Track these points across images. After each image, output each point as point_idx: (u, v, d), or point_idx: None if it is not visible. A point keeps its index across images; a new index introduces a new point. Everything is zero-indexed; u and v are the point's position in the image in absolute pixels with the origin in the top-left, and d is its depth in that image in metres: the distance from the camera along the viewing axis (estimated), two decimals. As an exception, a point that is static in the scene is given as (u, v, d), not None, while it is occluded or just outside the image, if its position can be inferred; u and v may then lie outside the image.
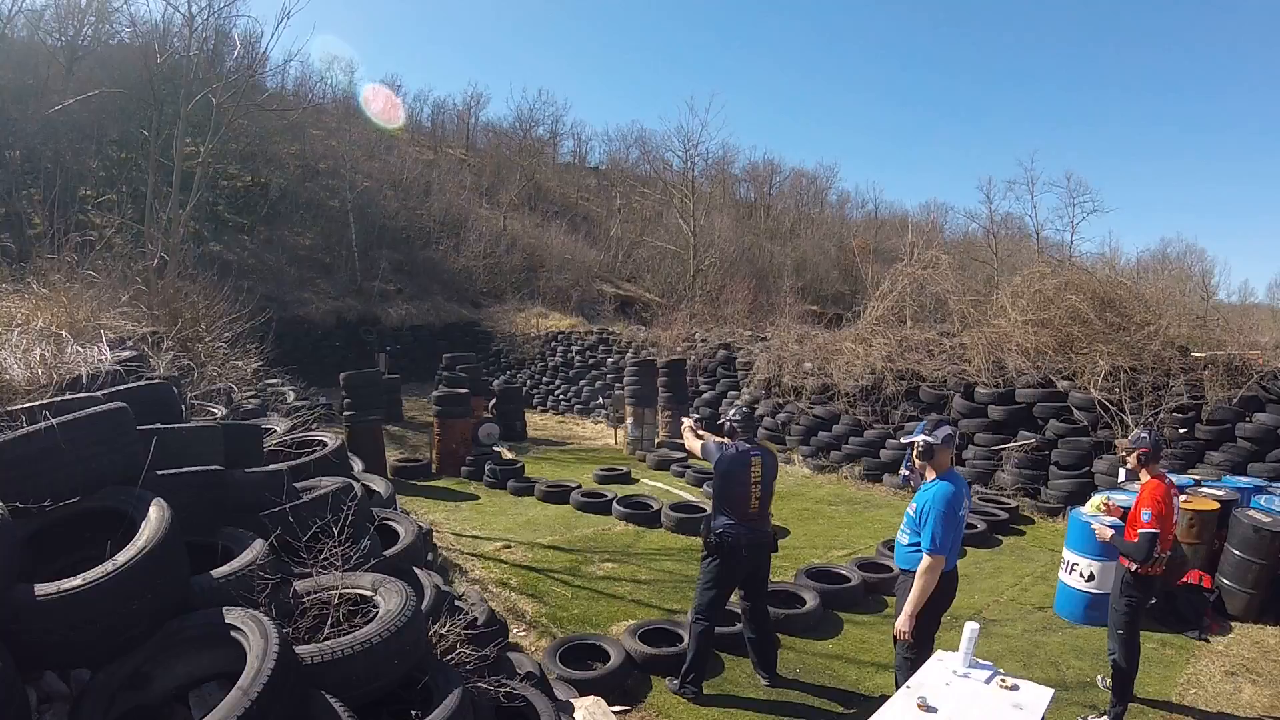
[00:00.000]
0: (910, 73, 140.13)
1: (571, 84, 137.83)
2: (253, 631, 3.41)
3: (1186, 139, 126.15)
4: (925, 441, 5.35)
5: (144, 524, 3.76)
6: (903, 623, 5.29)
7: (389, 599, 3.99)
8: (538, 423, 23.22)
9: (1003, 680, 4.21)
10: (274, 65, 38.58)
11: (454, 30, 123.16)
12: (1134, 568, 5.98)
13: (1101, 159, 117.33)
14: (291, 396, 13.08)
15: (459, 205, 41.32)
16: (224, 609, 3.62)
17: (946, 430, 5.39)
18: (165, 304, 11.18)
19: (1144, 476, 6.06)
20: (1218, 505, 8.71)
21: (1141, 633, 6.38)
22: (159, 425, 4.76)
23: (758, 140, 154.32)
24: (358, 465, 8.21)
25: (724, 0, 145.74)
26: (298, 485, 5.33)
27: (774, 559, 10.06)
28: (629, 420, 18.54)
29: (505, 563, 9.68)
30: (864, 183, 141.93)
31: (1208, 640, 7.79)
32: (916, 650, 5.22)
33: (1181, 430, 12.06)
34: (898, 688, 4.66)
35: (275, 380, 13.94)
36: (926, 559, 5.17)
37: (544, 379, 26.86)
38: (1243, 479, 10.40)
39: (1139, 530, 5.86)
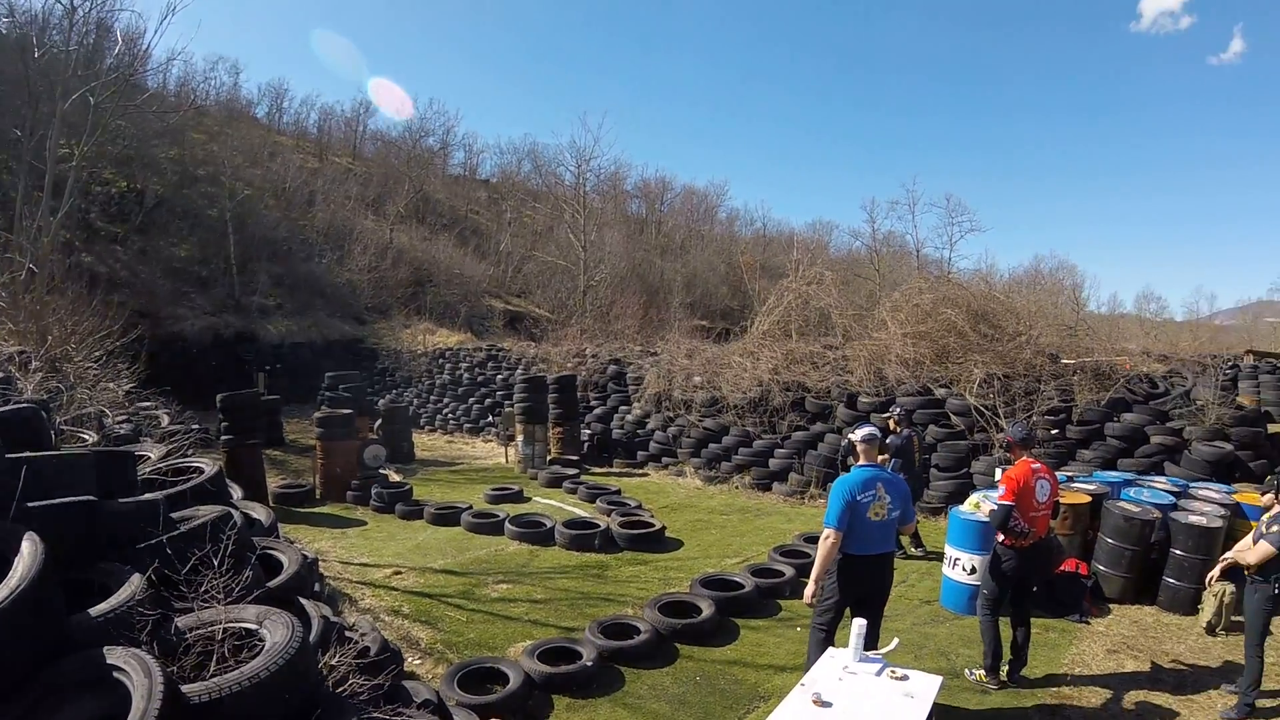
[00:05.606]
0: (799, 99, 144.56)
1: (464, 94, 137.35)
2: (136, 671, 3.24)
3: (1061, 161, 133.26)
4: (848, 441, 6.20)
5: (17, 560, 3.55)
6: (806, 589, 5.88)
7: (275, 631, 3.87)
8: (426, 443, 22.80)
9: (893, 672, 4.36)
10: (156, 63, 36.27)
11: (345, 34, 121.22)
12: (1000, 536, 6.65)
13: (980, 180, 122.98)
14: (166, 420, 12.55)
15: (344, 216, 40.39)
16: (105, 649, 3.44)
17: (865, 431, 6.07)
18: (33, 320, 10.70)
19: (1014, 460, 6.76)
20: (1089, 498, 9.26)
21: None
22: (28, 453, 4.55)
23: (650, 157, 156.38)
24: (237, 492, 7.93)
25: (618, 24, 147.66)
26: (174, 515, 5.11)
27: (669, 569, 10.21)
28: (520, 438, 18.39)
29: (396, 589, 9.45)
30: (753, 201, 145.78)
31: (1088, 623, 8.21)
32: (826, 619, 5.90)
33: (1054, 431, 12.63)
34: (809, 658, 5.24)
35: (148, 403, 13.43)
36: (823, 531, 5.75)
37: (432, 397, 26.41)
38: (1113, 474, 11.05)
39: (997, 501, 6.63)
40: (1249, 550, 6.20)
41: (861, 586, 5.89)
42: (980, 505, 8.52)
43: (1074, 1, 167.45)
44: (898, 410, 11.27)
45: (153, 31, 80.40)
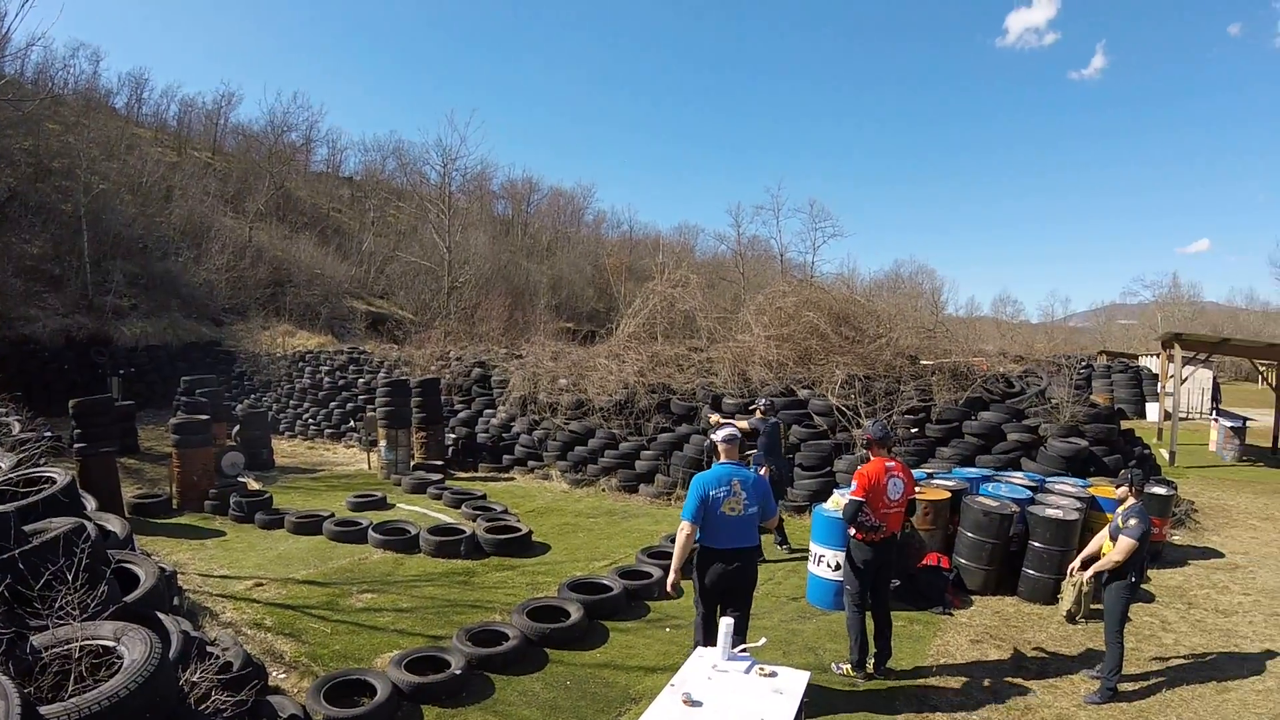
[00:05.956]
0: (663, 107, 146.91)
1: (328, 89, 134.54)
2: (-8, 695, 3.08)
3: (923, 169, 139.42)
4: (710, 442, 6.28)
5: None
6: (668, 578, 6.18)
7: (134, 648, 3.77)
8: (286, 449, 22.10)
9: (761, 669, 4.38)
10: (15, 48, 33.61)
11: (204, 23, 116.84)
12: (851, 531, 6.87)
13: (844, 187, 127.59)
14: (16, 428, 11.86)
15: (202, 213, 38.58)
16: (-41, 672, 3.26)
17: (726, 432, 6.39)
18: None
19: (870, 457, 6.95)
20: (949, 494, 9.53)
21: (891, 612, 7.10)
22: None
23: (517, 158, 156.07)
24: (91, 503, 7.65)
25: (485, 22, 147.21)
26: (26, 528, 4.94)
27: (536, 574, 10.12)
28: (382, 443, 18.02)
29: (258, 602, 9.08)
30: (620, 204, 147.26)
31: (951, 614, 8.47)
32: (702, 611, 6.21)
33: (913, 430, 13.00)
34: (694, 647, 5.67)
35: (-2, 410, 12.71)
36: (680, 524, 6.11)
37: (292, 402, 25.59)
38: (971, 470, 11.45)
39: (849, 496, 6.81)
40: (1114, 551, 6.46)
41: (722, 580, 6.09)
42: (839, 502, 8.72)
43: (940, 15, 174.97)
44: (763, 401, 11.52)
45: (14, 14, 75.50)
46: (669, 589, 6.19)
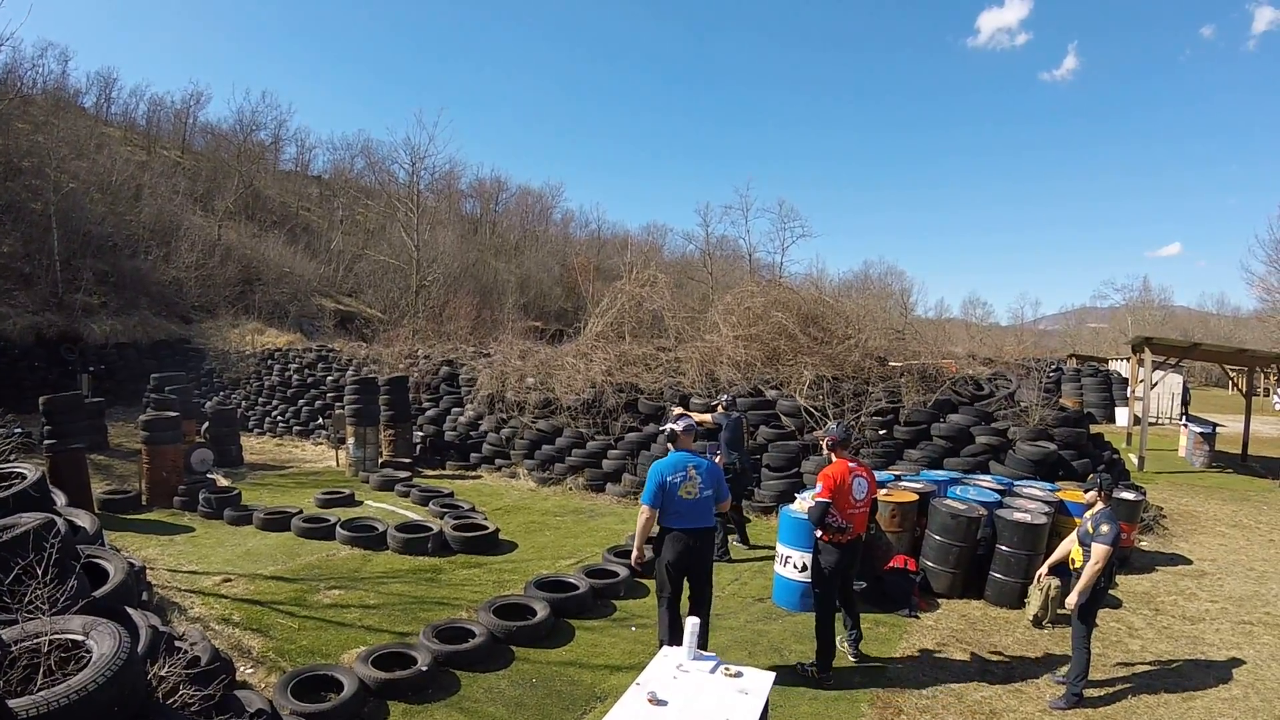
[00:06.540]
0: (634, 113, 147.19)
1: (296, 89, 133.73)
2: (-39, 687, 3.07)
3: (893, 171, 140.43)
4: (670, 429, 6.87)
5: None
6: (633, 554, 6.94)
7: (102, 642, 3.73)
8: (255, 446, 21.94)
9: (726, 669, 4.39)
10: None
11: (171, 22, 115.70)
12: (818, 533, 6.95)
13: (813, 190, 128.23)
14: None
15: (171, 211, 38.14)
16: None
17: (684, 423, 6.89)
18: None
19: (834, 459, 7.00)
20: (916, 496, 9.54)
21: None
22: None
23: (485, 158, 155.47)
24: (61, 499, 7.57)
25: (452, 30, 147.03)
26: (-5, 523, 4.86)
27: (503, 572, 10.11)
28: (351, 440, 17.91)
29: (226, 597, 9.03)
30: (588, 203, 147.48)
31: (918, 617, 8.49)
32: (665, 593, 6.60)
33: (881, 431, 13.07)
34: (659, 628, 6.60)
35: (-32, 408, 12.56)
36: (640, 509, 6.62)
37: (260, 399, 25.46)
38: (939, 473, 11.43)
39: (814, 499, 6.93)
40: (1093, 560, 6.37)
41: (682, 558, 6.52)
42: (804, 506, 8.74)
43: (912, 16, 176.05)
44: (725, 397, 11.70)
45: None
46: (634, 564, 7.00)
